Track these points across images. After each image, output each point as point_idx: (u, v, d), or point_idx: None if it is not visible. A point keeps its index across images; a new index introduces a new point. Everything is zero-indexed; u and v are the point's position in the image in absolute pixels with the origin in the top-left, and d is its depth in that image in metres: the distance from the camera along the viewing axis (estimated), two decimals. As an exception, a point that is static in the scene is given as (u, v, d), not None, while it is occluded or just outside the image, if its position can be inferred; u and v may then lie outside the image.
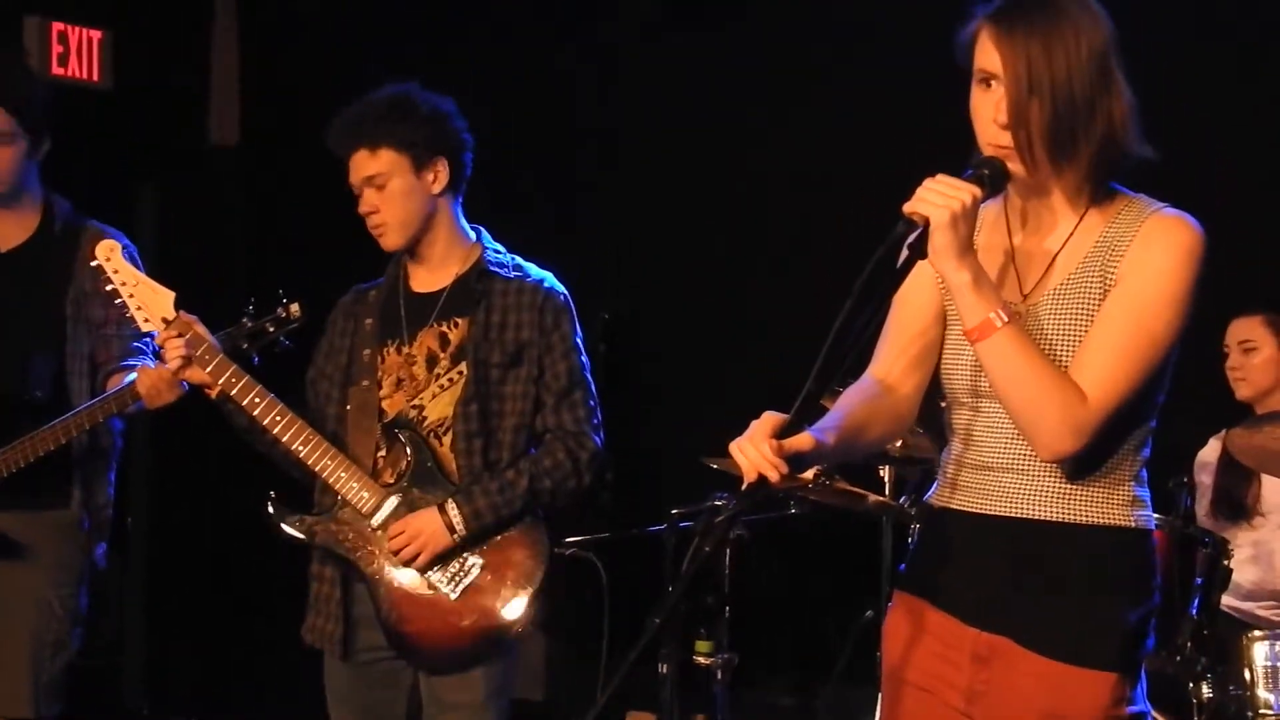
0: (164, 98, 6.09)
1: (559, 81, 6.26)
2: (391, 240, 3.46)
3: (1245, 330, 4.67)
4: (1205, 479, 4.68)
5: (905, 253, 2.21)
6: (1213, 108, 4.98)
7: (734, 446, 2.18)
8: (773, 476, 2.15)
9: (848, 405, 2.41)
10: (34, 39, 5.60)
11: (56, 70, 5.63)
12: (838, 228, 4.57)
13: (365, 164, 3.42)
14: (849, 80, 5.64)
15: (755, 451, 2.15)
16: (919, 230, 2.21)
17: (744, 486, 2.18)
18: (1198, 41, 5.02)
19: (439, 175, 3.44)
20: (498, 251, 3.53)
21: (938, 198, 2.20)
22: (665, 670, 4.29)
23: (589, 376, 3.48)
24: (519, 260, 3.53)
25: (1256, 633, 4.07)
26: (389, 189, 3.41)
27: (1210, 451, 4.70)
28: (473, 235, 3.54)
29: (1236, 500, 4.57)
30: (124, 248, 3.70)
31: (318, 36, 6.25)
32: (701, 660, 4.48)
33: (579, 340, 3.47)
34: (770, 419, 2.18)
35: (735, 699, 4.54)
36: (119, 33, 5.83)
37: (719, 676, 4.47)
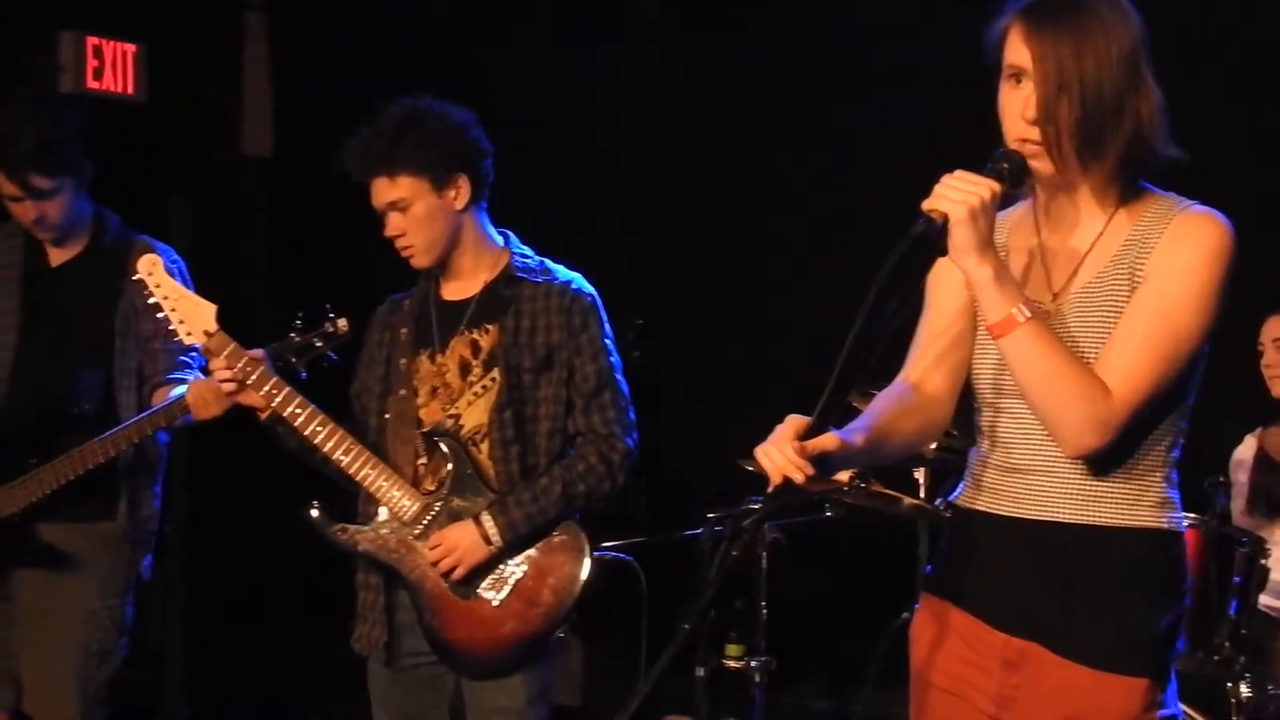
0: (197, 110, 6.13)
1: (563, 84, 6.26)
2: (421, 261, 3.45)
3: (1280, 328, 4.64)
4: (1241, 477, 4.64)
5: (925, 250, 2.20)
6: (1246, 104, 4.95)
7: (758, 450, 2.18)
8: (797, 478, 2.15)
9: (877, 407, 2.41)
10: (69, 53, 5.62)
11: (92, 84, 5.66)
12: (861, 222, 4.56)
13: (386, 190, 3.40)
14: (861, 78, 5.63)
15: (779, 454, 2.15)
16: (939, 227, 2.19)
17: (769, 489, 2.17)
18: (1226, 39, 4.99)
19: (461, 191, 3.42)
20: (525, 256, 3.52)
21: (956, 193, 2.19)
22: (701, 675, 4.30)
23: (619, 377, 3.47)
24: (547, 263, 3.52)
25: (1294, 631, 4.05)
26: (412, 213, 3.39)
27: (1246, 449, 4.67)
28: (500, 240, 3.54)
29: (1273, 498, 4.54)
30: (170, 262, 3.74)
31: (350, 47, 6.27)
32: (732, 664, 4.48)
33: (608, 341, 3.46)
34: (794, 422, 2.18)
35: (772, 703, 4.54)
36: (153, 46, 5.87)
37: (756, 680, 4.47)
